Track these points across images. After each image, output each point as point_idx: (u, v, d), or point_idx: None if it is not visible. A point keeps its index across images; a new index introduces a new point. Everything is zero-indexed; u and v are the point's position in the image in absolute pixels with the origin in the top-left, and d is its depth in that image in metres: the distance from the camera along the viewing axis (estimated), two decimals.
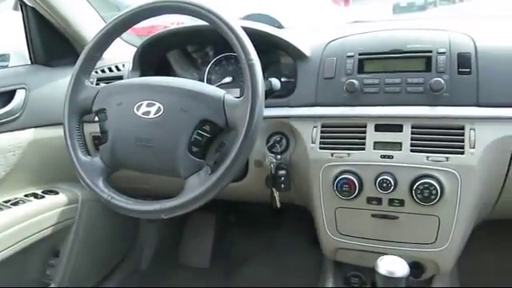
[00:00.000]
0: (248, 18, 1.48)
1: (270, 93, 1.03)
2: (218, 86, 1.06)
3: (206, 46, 1.38)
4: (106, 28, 1.02)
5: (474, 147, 0.99)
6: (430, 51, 1.06)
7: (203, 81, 1.34)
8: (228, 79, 1.30)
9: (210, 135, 0.94)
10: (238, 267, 1.88)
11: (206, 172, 0.93)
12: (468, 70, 1.02)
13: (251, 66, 0.89)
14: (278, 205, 1.19)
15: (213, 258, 1.95)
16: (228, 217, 2.07)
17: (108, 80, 1.28)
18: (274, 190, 1.18)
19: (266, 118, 1.12)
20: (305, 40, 1.21)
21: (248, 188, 1.25)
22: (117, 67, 1.40)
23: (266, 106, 1.01)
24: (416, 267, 1.12)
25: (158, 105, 0.95)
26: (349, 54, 1.12)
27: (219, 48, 1.33)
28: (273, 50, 1.24)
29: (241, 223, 2.07)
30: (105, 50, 1.06)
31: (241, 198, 1.42)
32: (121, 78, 1.32)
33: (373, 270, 0.90)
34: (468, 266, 1.35)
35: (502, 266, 1.56)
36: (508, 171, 1.04)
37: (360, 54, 1.10)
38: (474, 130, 1.00)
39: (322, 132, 1.10)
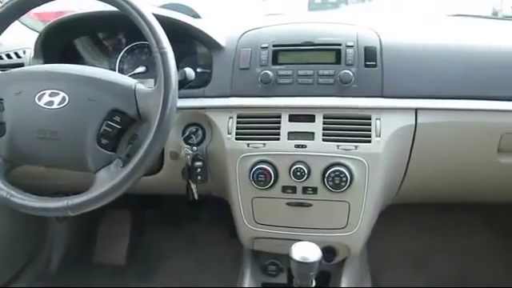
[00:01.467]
0: (164, 7, 1.43)
1: (184, 83, 1.01)
2: (130, 76, 1.02)
3: (117, 33, 1.31)
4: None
5: (379, 136, 1.05)
6: (340, 44, 1.10)
7: (115, 70, 1.28)
8: (141, 69, 1.25)
9: (121, 126, 0.90)
10: (156, 264, 1.84)
11: (117, 165, 0.89)
12: (374, 63, 1.08)
13: (163, 54, 0.86)
14: (196, 197, 1.18)
15: (129, 255, 1.89)
16: (144, 212, 2.01)
17: (6, 67, 1.17)
18: (190, 181, 1.16)
19: (181, 108, 1.11)
20: (221, 30, 1.20)
21: (164, 181, 1.22)
22: (16, 54, 1.28)
23: (180, 97, 0.99)
24: (329, 251, 1.17)
25: (62, 94, 0.88)
26: (263, 45, 1.12)
27: (132, 36, 1.28)
28: (188, 39, 1.21)
29: (158, 218, 2.02)
30: None
31: (157, 191, 1.39)
32: (22, 65, 1.21)
33: (289, 257, 0.92)
34: (376, 248, 1.44)
35: (406, 245, 1.69)
36: (410, 157, 1.12)
37: (274, 46, 1.12)
38: (379, 119, 1.06)
39: (237, 123, 1.10)
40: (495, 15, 2.18)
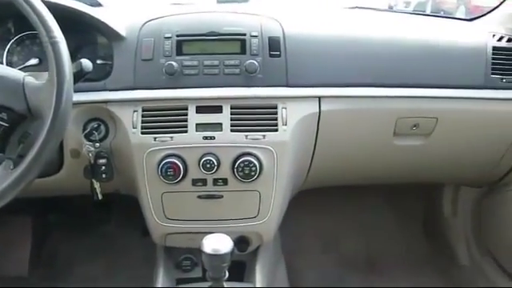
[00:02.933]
0: None
1: (80, 75, 0.94)
2: (22, 69, 0.93)
3: (5, 22, 1.19)
4: None
5: (286, 124, 1.07)
6: (244, 34, 1.10)
7: (2, 62, 1.16)
8: (34, 61, 1.15)
9: (9, 124, 0.82)
10: (63, 271, 1.72)
11: (6, 167, 0.81)
12: (278, 52, 1.09)
13: (54, 44, 0.80)
14: (100, 196, 1.12)
15: (33, 265, 1.74)
16: (47, 217, 1.87)
17: None
18: (94, 180, 1.09)
19: (80, 103, 1.04)
20: (122, 19, 1.14)
21: (65, 181, 1.14)
22: None
23: (79, 91, 0.93)
24: (242, 241, 1.18)
25: None
26: (166, 35, 1.09)
27: (22, 24, 1.16)
28: (87, 29, 1.14)
29: (64, 222, 1.88)
30: None
31: (59, 193, 1.29)
32: None
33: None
34: (289, 233, 1.48)
35: (316, 229, 1.76)
36: (315, 144, 1.16)
37: (178, 36, 1.09)
38: (285, 108, 1.08)
39: (143, 116, 1.06)
40: (390, 8, 2.34)
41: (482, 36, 1.23)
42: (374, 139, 1.21)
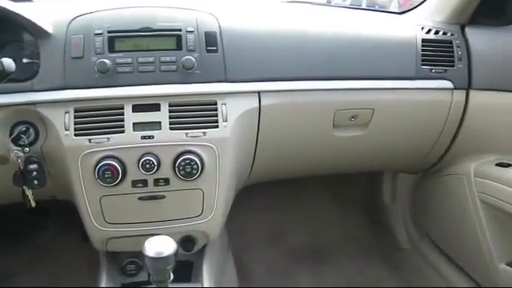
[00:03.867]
0: None
1: (2, 75, 0.88)
2: None
3: None
4: None
5: (226, 120, 1.06)
6: (180, 30, 1.07)
7: None
8: None
9: None
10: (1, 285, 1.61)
11: None
12: (215, 48, 1.08)
13: None
14: (33, 204, 1.05)
15: None
16: None
17: None
18: (25, 187, 1.03)
19: (4, 106, 0.97)
20: (49, 15, 1.07)
21: None
22: None
23: (3, 92, 0.86)
24: (187, 241, 1.16)
25: None
26: (97, 31, 1.04)
27: None
28: (10, 26, 1.06)
29: None
30: None
31: None
32: None
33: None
34: (236, 229, 1.48)
35: (262, 223, 1.77)
36: (257, 139, 1.16)
37: (109, 32, 1.04)
38: (225, 104, 1.06)
39: (75, 117, 1.00)
40: (328, 3, 2.38)
41: (412, 29, 1.28)
42: (314, 132, 1.23)
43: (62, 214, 1.47)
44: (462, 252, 1.38)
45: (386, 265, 1.64)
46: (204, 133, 1.04)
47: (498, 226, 1.24)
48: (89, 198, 1.05)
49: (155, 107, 1.03)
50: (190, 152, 1.03)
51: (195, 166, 1.03)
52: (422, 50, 1.24)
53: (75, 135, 1.00)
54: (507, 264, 1.21)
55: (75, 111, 1.01)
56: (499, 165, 1.25)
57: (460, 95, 1.26)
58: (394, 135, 1.31)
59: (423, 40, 1.25)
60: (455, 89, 1.25)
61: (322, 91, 1.16)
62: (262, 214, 1.77)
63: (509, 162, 1.24)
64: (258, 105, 1.11)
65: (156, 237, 0.87)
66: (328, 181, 1.76)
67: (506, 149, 1.28)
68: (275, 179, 1.42)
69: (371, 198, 1.86)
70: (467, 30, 1.31)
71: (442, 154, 1.40)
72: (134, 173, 1.02)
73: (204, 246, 1.24)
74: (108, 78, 1.02)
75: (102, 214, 1.07)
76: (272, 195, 1.75)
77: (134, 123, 1.02)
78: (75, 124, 1.00)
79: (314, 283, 1.60)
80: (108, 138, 1.01)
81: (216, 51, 1.07)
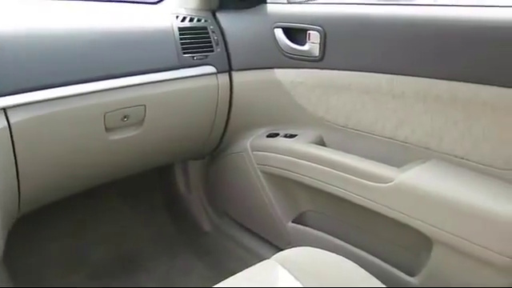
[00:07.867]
0: None
1: None
2: None
3: None
4: None
5: None
6: None
7: None
8: None
9: None
10: None
11: None
12: None
13: None
14: None
15: None
16: None
17: None
18: None
19: None
20: None
21: None
22: None
23: None
24: None
25: None
26: None
27: None
28: None
29: None
30: None
31: None
32: None
33: None
34: (27, 260, 1.27)
35: (61, 246, 1.57)
36: (16, 162, 0.99)
37: None
38: None
39: None
40: None
41: (168, 18, 1.27)
42: (86, 140, 1.12)
43: None
44: (257, 221, 1.48)
45: (194, 252, 1.65)
46: None
47: (278, 190, 1.36)
48: None
49: None
50: None
51: None
52: (181, 39, 1.24)
53: None
54: (293, 221, 1.35)
55: None
56: (269, 136, 1.36)
57: (224, 78, 1.32)
58: (171, 127, 1.29)
59: (180, 28, 1.26)
60: (219, 72, 1.30)
61: (84, 95, 1.05)
62: (55, 240, 1.57)
63: (275, 132, 1.37)
64: (6, 124, 0.94)
65: None
66: (120, 186, 1.66)
67: (273, 120, 1.40)
68: (57, 200, 1.25)
69: (168, 192, 1.84)
70: (218, 15, 1.37)
71: (221, 136, 1.46)
72: None
73: None
74: None
75: None
76: (62, 216, 1.57)
77: None
78: None
79: None
80: None
81: None
